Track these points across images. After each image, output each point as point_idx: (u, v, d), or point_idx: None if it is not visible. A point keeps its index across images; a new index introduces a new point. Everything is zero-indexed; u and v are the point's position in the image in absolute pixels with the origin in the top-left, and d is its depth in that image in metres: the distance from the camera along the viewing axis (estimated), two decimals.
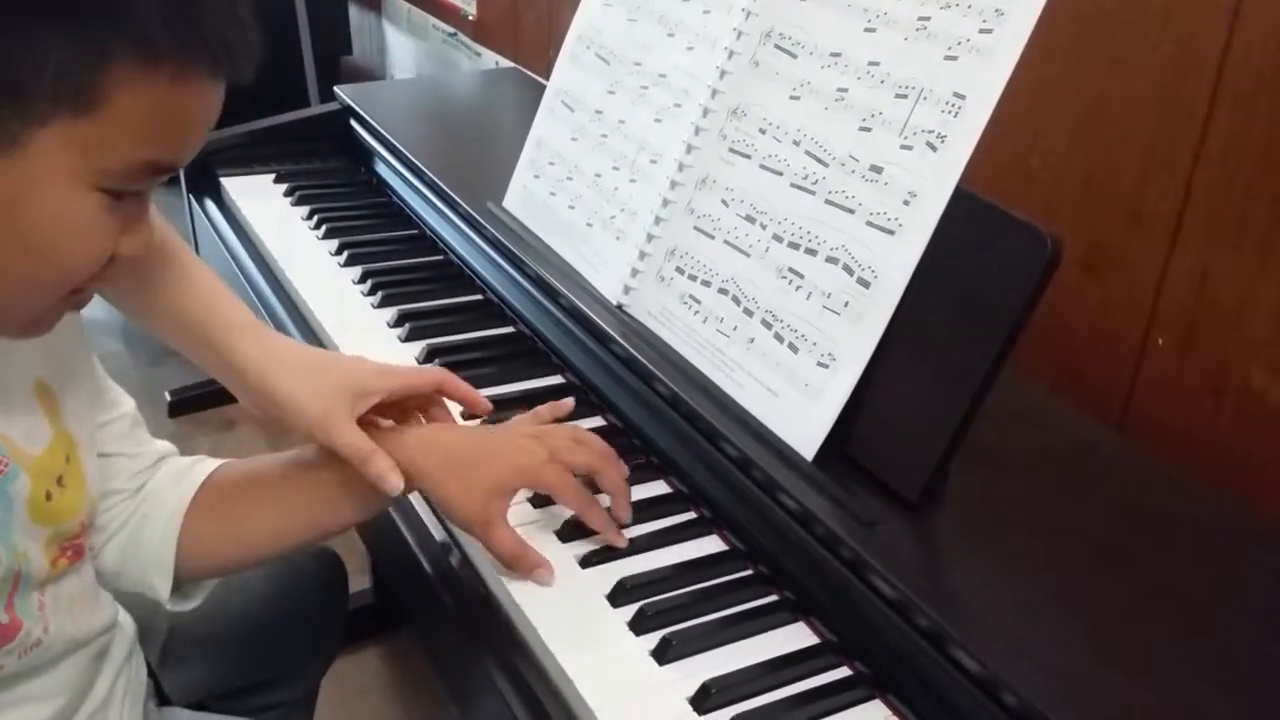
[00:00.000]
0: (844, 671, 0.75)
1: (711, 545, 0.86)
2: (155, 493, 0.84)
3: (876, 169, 0.82)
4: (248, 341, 0.85)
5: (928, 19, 0.81)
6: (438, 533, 0.88)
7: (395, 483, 0.79)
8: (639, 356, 0.95)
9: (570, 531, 0.85)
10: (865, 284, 0.81)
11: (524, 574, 0.80)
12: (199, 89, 0.60)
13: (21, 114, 0.55)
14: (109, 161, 0.59)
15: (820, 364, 0.83)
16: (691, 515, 0.89)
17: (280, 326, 1.18)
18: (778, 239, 0.88)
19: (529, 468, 0.82)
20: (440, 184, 1.28)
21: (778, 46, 0.92)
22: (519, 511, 0.87)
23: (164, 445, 0.88)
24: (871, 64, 0.84)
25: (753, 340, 0.88)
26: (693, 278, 0.95)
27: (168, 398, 2.31)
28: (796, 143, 0.88)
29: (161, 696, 0.93)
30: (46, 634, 0.71)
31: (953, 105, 0.77)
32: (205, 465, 0.87)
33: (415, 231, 1.36)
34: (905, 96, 0.81)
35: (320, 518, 0.85)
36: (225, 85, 0.62)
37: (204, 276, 0.88)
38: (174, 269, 0.86)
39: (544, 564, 0.80)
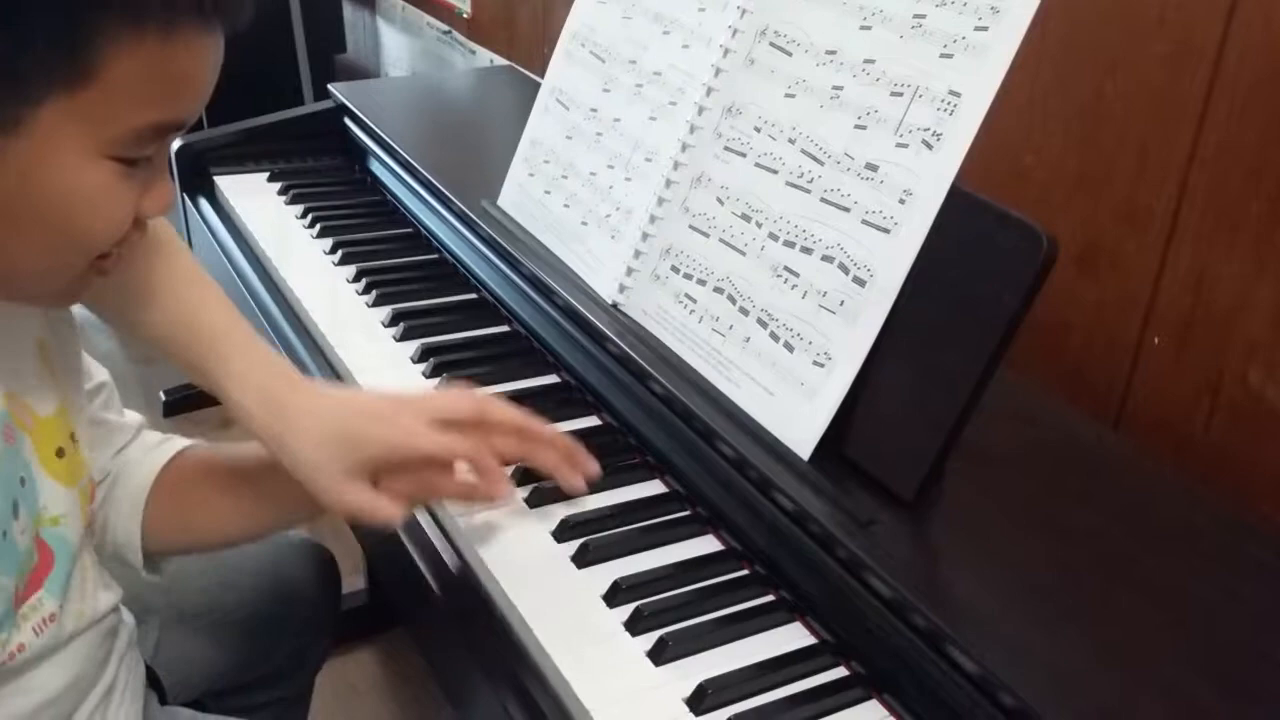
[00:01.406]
0: (840, 671, 0.75)
1: (707, 545, 0.86)
2: (127, 465, 0.84)
3: (872, 167, 0.81)
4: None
5: (923, 17, 0.80)
6: (433, 532, 0.88)
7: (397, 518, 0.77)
8: (634, 355, 0.95)
9: (565, 531, 0.84)
10: (861, 282, 0.81)
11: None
12: (192, 44, 0.60)
13: (16, 96, 0.55)
14: (114, 129, 0.59)
15: (816, 363, 0.83)
16: (687, 514, 0.88)
17: (274, 325, 1.17)
18: (773, 237, 0.88)
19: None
20: (435, 182, 1.28)
21: (773, 44, 0.92)
22: (513, 511, 0.86)
23: (136, 417, 0.88)
24: (867, 62, 0.84)
25: (748, 339, 0.88)
26: (688, 276, 0.95)
27: (163, 397, 2.31)
28: (792, 141, 0.88)
29: (159, 694, 0.93)
30: (61, 610, 0.71)
31: (948, 103, 0.77)
32: (172, 445, 0.87)
33: (409, 230, 1.36)
34: (901, 94, 0.81)
35: (265, 520, 0.85)
36: (223, 36, 0.62)
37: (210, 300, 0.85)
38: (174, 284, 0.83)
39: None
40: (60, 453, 0.72)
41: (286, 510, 0.84)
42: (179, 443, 0.87)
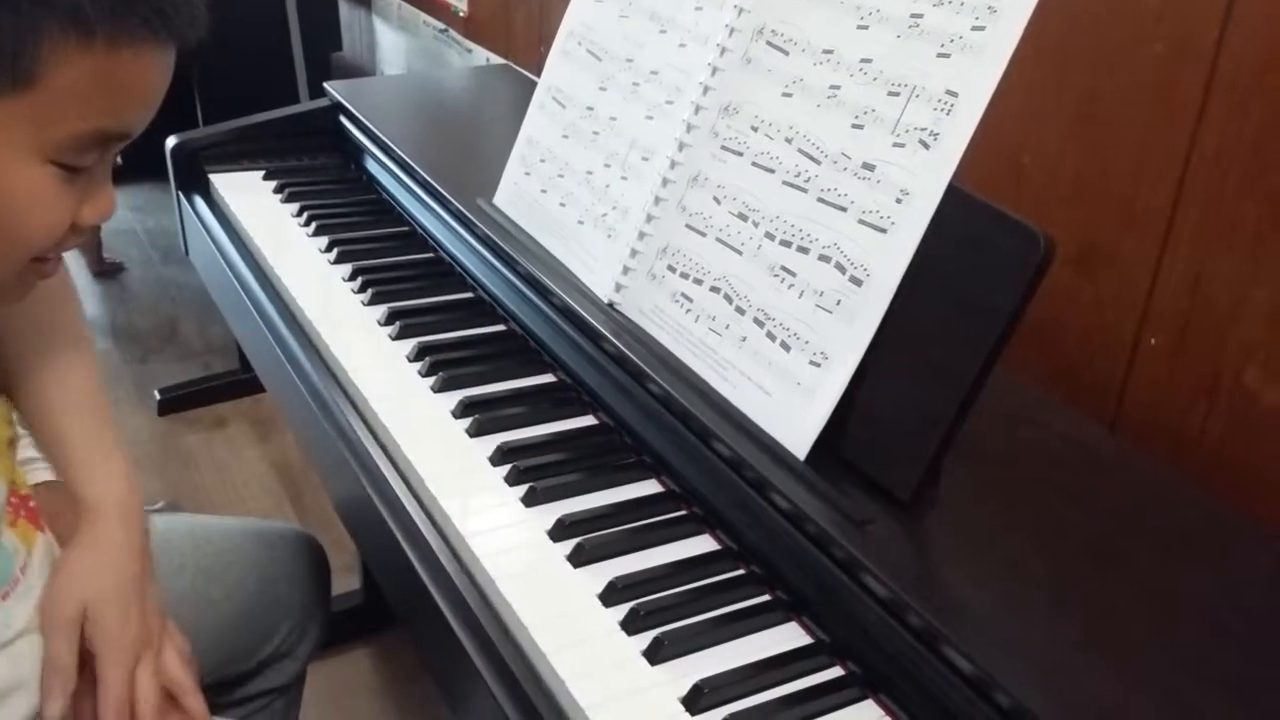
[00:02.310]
0: (836, 671, 0.75)
1: (703, 545, 0.85)
2: None
3: (869, 167, 0.81)
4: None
5: (920, 16, 0.80)
6: (428, 532, 0.88)
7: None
8: (630, 355, 0.95)
9: (561, 530, 0.84)
10: (858, 282, 0.81)
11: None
12: (140, 55, 0.60)
13: None
14: (55, 134, 0.59)
15: (812, 363, 0.83)
16: (683, 514, 0.88)
17: (269, 323, 1.17)
18: (770, 237, 0.88)
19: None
20: (431, 181, 1.27)
21: (770, 44, 0.92)
22: (509, 510, 0.86)
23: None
24: (864, 61, 0.84)
25: (745, 339, 0.88)
26: (684, 276, 0.95)
27: (157, 396, 2.31)
28: (789, 140, 0.88)
29: None
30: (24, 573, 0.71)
31: (945, 103, 0.77)
32: (39, 472, 0.84)
33: (405, 229, 1.35)
34: (898, 94, 0.80)
35: None
36: (174, 49, 0.61)
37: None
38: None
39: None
40: None
41: None
42: (41, 472, 0.85)
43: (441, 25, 2.27)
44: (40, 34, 0.56)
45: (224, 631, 1.00)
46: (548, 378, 1.06)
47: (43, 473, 0.87)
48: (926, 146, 0.78)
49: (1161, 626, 0.72)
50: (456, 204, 1.22)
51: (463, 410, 0.99)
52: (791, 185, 0.87)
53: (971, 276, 0.75)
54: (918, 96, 0.79)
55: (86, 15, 0.56)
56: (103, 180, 0.65)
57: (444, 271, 1.26)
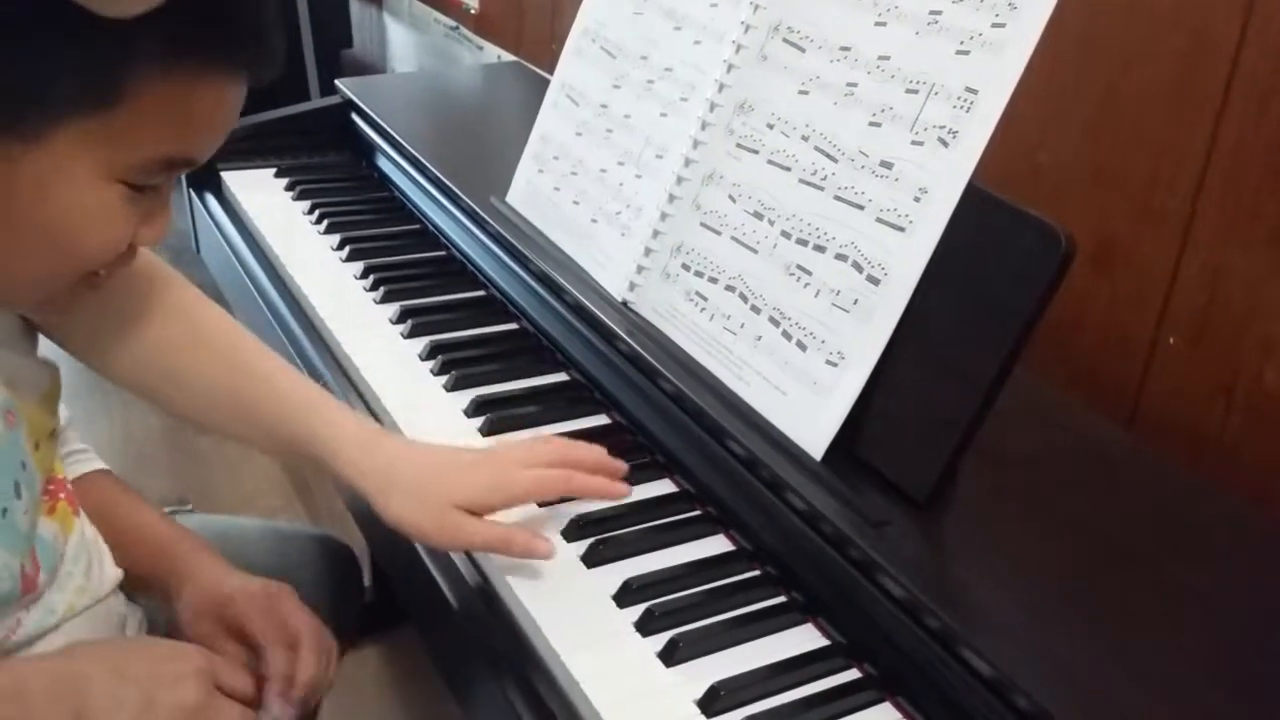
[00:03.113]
0: (853, 674, 0.74)
1: (718, 545, 0.85)
2: None
3: (887, 165, 0.81)
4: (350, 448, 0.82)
5: (939, 13, 0.79)
6: None
7: (546, 550, 0.78)
8: (644, 354, 0.94)
9: (575, 530, 0.84)
10: (875, 281, 0.80)
11: (518, 554, 0.78)
12: (221, 88, 0.61)
13: (42, 111, 0.56)
14: (129, 155, 0.60)
15: (829, 362, 0.82)
16: (698, 514, 0.88)
17: (281, 322, 1.17)
18: (786, 235, 0.87)
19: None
20: (442, 178, 1.27)
21: (786, 40, 0.91)
22: (523, 509, 0.86)
23: (63, 414, 0.88)
24: (882, 58, 0.83)
25: (760, 338, 0.87)
26: (699, 274, 0.94)
27: None
28: (805, 138, 0.87)
29: None
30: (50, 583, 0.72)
31: (964, 100, 0.76)
32: (81, 465, 0.87)
33: (417, 227, 1.35)
34: (916, 91, 0.80)
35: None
36: (247, 84, 0.63)
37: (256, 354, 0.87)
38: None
39: (534, 542, 0.78)
40: (36, 446, 0.72)
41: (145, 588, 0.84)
42: (88, 464, 0.87)
43: (453, 22, 2.27)
44: (134, 55, 0.57)
45: None
46: (561, 376, 1.06)
47: (87, 463, 0.88)
48: (945, 144, 0.77)
49: (1181, 628, 0.71)
50: (469, 202, 1.21)
51: (475, 409, 0.98)
52: (808, 183, 0.86)
53: (991, 275, 0.75)
54: (936, 94, 0.78)
55: (181, 44, 0.58)
56: (164, 203, 0.66)
57: (456, 270, 1.25)
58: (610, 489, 0.81)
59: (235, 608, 0.81)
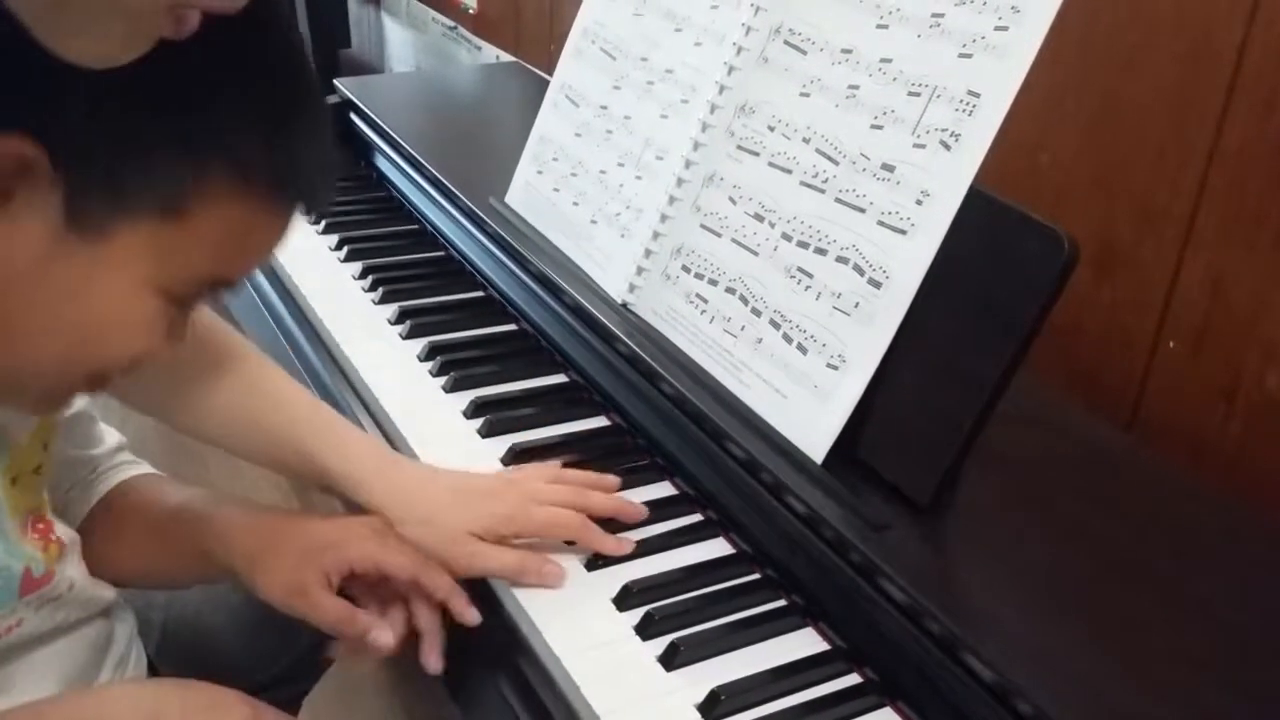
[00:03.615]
0: (854, 678, 0.74)
1: (718, 548, 0.85)
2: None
3: (888, 168, 0.80)
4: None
5: (942, 16, 0.79)
6: None
7: (558, 577, 0.80)
8: (644, 356, 0.94)
9: None
10: (876, 284, 0.80)
11: (531, 582, 0.79)
12: (278, 216, 0.63)
13: (115, 207, 0.56)
14: (179, 269, 0.60)
15: (830, 365, 0.82)
16: (698, 518, 0.87)
17: (280, 322, 1.17)
18: (787, 238, 0.87)
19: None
20: (441, 179, 1.27)
21: (787, 43, 0.91)
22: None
23: (114, 439, 0.88)
24: (884, 61, 0.83)
25: (760, 340, 0.87)
26: (699, 276, 0.94)
27: None
28: (806, 140, 0.87)
29: None
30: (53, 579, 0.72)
31: (967, 104, 0.76)
32: (119, 473, 0.87)
33: (416, 227, 1.35)
34: (918, 94, 0.79)
35: (189, 574, 0.86)
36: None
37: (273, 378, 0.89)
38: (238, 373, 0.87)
39: (546, 569, 0.80)
40: (14, 481, 0.71)
41: (211, 572, 0.83)
42: (133, 469, 0.88)
43: (451, 22, 2.26)
44: (205, 172, 0.57)
45: (242, 639, 0.99)
46: (559, 378, 1.06)
47: (132, 468, 0.88)
48: (948, 147, 0.77)
49: (1183, 632, 0.71)
50: (467, 202, 1.21)
51: (474, 410, 0.98)
52: (809, 186, 0.86)
53: (993, 279, 0.74)
54: (939, 97, 0.78)
55: (252, 170, 0.59)
56: (186, 322, 0.65)
57: (455, 270, 1.25)
58: (619, 548, 0.82)
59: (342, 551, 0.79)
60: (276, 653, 1.03)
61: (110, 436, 0.88)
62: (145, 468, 0.90)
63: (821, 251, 0.84)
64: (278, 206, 0.62)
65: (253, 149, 0.58)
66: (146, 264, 0.59)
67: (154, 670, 0.90)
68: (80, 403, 0.84)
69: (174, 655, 0.95)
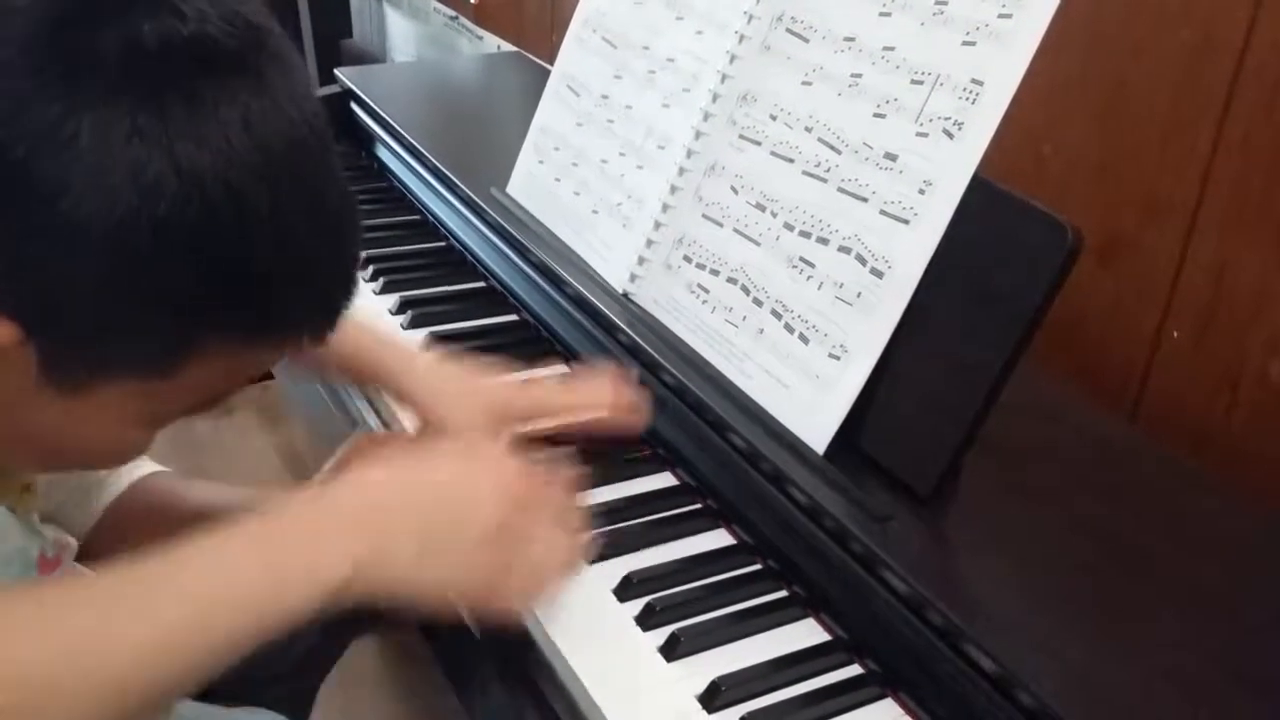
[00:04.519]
0: (855, 669, 0.73)
1: (719, 539, 0.84)
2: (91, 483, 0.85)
3: (891, 156, 0.80)
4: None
5: (944, 3, 0.79)
6: None
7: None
8: (645, 346, 0.93)
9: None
10: (879, 274, 0.79)
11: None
12: (276, 356, 0.62)
13: (95, 373, 0.55)
14: (170, 410, 0.59)
15: (832, 355, 0.81)
16: (699, 508, 0.87)
17: None
18: (789, 227, 0.87)
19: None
20: (443, 169, 1.26)
21: (789, 31, 0.90)
22: None
23: None
24: (886, 49, 0.82)
25: (762, 330, 0.87)
26: (701, 266, 0.93)
27: None
28: (808, 129, 0.87)
29: None
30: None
31: (970, 92, 0.76)
32: (135, 469, 0.86)
33: (417, 217, 1.34)
34: (921, 83, 0.79)
35: None
36: None
37: None
38: None
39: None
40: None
41: None
42: (145, 467, 0.87)
43: (452, 12, 2.26)
44: (199, 341, 0.55)
45: None
46: (560, 368, 1.05)
47: (143, 466, 0.88)
48: (950, 136, 0.76)
49: (1186, 623, 0.71)
50: (469, 192, 1.21)
51: None
52: (811, 175, 0.86)
53: (996, 269, 0.74)
54: (941, 85, 0.78)
55: (255, 332, 0.57)
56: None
57: (456, 261, 1.25)
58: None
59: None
60: (284, 647, 1.03)
61: None
62: (153, 465, 0.89)
63: (824, 241, 0.84)
64: (279, 350, 0.61)
65: (248, 317, 0.57)
66: (135, 409, 0.58)
67: None
68: None
69: None
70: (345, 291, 0.61)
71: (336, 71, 1.55)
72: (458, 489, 0.66)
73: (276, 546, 0.60)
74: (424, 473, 0.67)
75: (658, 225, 0.98)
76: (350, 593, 0.60)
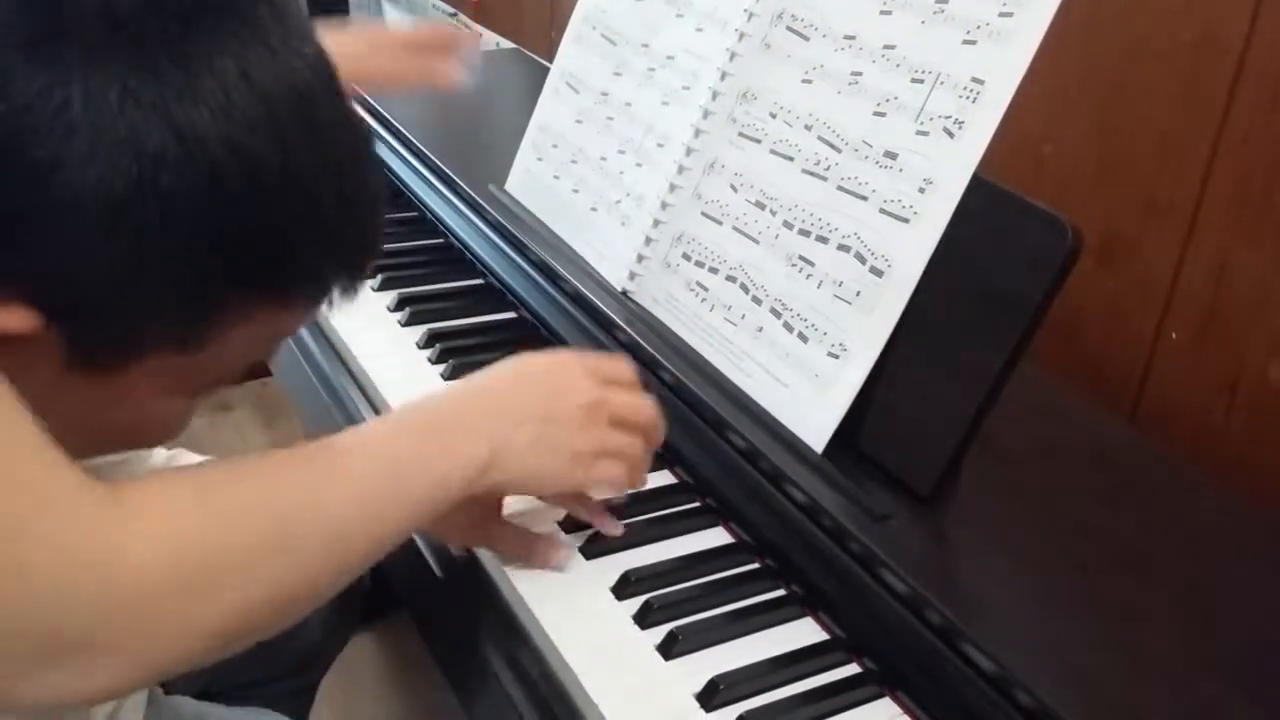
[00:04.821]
0: (854, 668, 0.73)
1: (718, 537, 0.84)
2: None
3: (891, 155, 0.80)
4: None
5: (945, 2, 0.79)
6: None
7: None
8: (644, 344, 0.93)
9: (574, 522, 0.83)
10: (878, 273, 0.79)
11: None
12: (309, 314, 0.60)
13: (126, 352, 0.54)
14: (207, 379, 0.58)
15: (831, 354, 0.81)
16: (697, 506, 0.87)
17: None
18: (788, 226, 0.86)
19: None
20: (441, 166, 1.26)
21: (789, 28, 0.90)
22: (522, 502, 0.85)
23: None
24: (887, 47, 0.82)
25: (761, 329, 0.87)
26: (700, 264, 0.93)
27: None
28: (808, 127, 0.86)
29: (165, 684, 0.92)
30: None
31: (971, 91, 0.76)
32: (158, 458, 0.86)
33: (415, 214, 1.34)
34: (922, 81, 0.79)
35: None
36: None
37: None
38: None
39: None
40: None
41: None
42: (184, 458, 0.87)
43: (451, 9, 2.25)
44: (229, 306, 0.54)
45: None
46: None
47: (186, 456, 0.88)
48: (951, 135, 0.76)
49: (1185, 624, 0.71)
50: (467, 189, 1.20)
51: None
52: (811, 173, 0.86)
53: (996, 268, 0.74)
54: (942, 84, 0.77)
55: (288, 295, 0.56)
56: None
57: (454, 258, 1.25)
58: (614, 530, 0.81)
59: None
60: (278, 646, 1.03)
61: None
62: (196, 456, 0.88)
63: (823, 239, 0.84)
64: (310, 308, 0.60)
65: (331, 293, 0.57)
66: (168, 381, 0.56)
67: None
68: None
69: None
70: (371, 238, 0.60)
71: None
72: (554, 376, 0.72)
73: (422, 439, 0.64)
74: (525, 368, 0.72)
75: (657, 223, 0.98)
76: (483, 482, 0.66)
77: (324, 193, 0.54)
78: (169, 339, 0.54)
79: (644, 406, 0.76)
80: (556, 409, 0.70)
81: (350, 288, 0.60)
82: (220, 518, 0.54)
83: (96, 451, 0.61)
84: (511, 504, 0.81)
